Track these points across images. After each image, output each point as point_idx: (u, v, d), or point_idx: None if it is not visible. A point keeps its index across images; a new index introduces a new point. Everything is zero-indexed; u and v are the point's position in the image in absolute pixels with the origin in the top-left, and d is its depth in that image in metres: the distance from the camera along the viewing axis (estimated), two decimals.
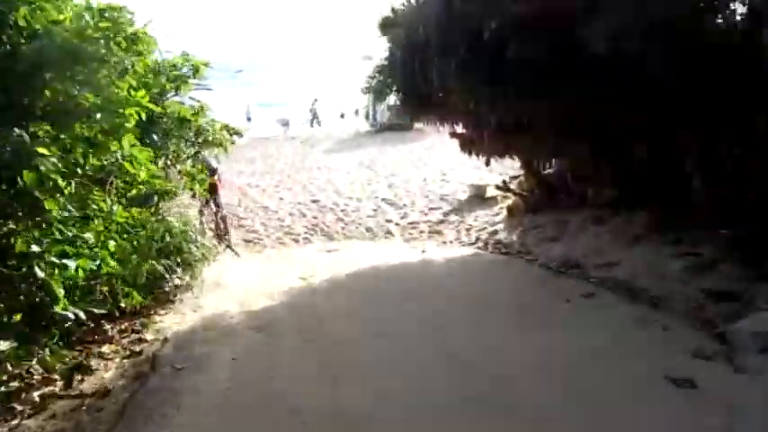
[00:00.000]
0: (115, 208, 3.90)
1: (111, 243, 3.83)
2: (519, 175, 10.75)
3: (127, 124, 3.66)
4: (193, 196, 6.47)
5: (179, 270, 5.42)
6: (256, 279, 6.49)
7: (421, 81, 7.09)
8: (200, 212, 9.59)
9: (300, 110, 31.65)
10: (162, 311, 5.10)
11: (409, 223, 9.70)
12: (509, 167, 12.22)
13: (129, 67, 4.01)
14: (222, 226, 9.67)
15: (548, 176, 9.16)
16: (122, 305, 4.46)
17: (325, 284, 6.07)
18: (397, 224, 9.74)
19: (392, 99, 8.93)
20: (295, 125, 27.75)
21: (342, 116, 29.65)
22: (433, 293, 5.55)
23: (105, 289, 3.97)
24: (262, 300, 5.50)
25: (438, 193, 11.70)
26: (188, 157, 5.86)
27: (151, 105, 3.85)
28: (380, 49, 8.25)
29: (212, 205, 9.70)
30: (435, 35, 6.29)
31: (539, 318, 4.68)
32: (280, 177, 14.80)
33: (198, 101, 5.78)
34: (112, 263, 3.79)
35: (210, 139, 6.00)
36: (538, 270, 6.21)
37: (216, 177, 9.59)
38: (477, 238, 8.27)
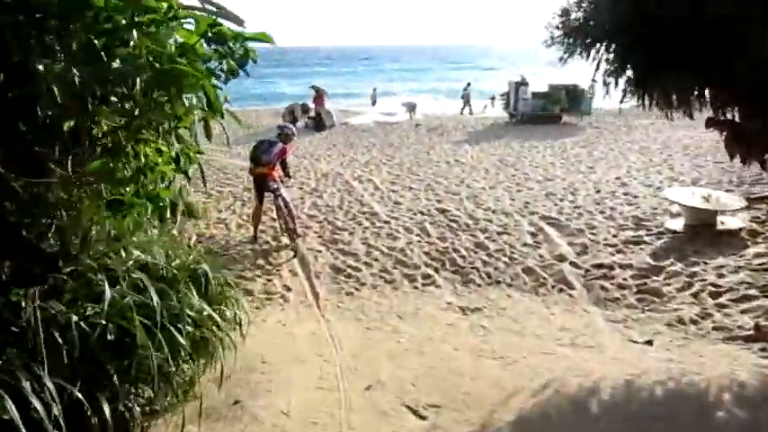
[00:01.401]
0: None
1: None
2: None
3: None
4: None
5: (134, 394, 2.33)
6: (318, 391, 3.24)
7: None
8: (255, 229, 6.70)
9: (430, 98, 28.97)
10: None
11: (596, 266, 5.89)
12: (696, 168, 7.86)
13: None
14: (287, 221, 6.86)
15: None
16: None
17: None
18: (573, 264, 6.00)
19: (591, 54, 5.06)
20: (423, 111, 24.95)
21: (485, 108, 25.87)
22: None
23: None
24: None
25: (626, 214, 7.68)
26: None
27: None
28: None
29: (273, 198, 6.98)
30: None
31: None
32: (399, 172, 11.60)
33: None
34: None
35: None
36: None
37: (269, 166, 6.82)
38: (757, 326, 4.26)
